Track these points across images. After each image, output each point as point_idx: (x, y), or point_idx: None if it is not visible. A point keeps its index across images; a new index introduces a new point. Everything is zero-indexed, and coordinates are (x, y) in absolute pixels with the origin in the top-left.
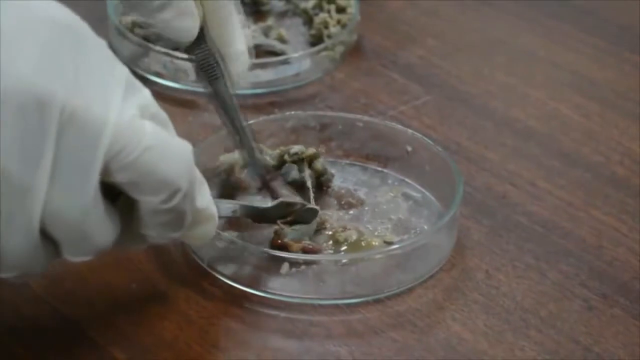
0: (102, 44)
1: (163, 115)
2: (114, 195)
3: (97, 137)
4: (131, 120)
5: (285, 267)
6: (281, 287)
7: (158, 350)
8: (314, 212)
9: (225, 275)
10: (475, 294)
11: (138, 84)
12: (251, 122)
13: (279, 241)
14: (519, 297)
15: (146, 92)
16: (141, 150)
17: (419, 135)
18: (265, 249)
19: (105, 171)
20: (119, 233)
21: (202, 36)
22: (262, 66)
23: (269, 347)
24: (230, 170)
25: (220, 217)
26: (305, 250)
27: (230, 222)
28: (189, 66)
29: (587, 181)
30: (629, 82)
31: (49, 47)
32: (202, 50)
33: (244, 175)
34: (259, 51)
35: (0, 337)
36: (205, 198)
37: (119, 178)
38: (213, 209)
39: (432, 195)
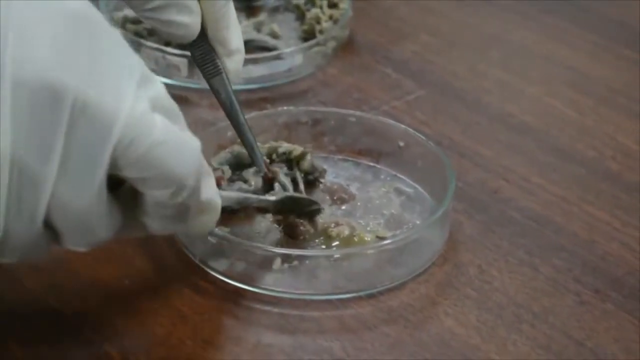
0: (117, 35)
1: (175, 108)
2: (118, 181)
3: (107, 131)
4: (142, 114)
5: (277, 262)
6: (273, 282)
7: (151, 346)
8: (316, 210)
9: (218, 271)
10: (468, 289)
11: (152, 76)
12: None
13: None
14: (512, 292)
15: (159, 85)
16: (150, 145)
17: (412, 130)
18: (258, 245)
19: (113, 165)
20: (120, 226)
21: (201, 33)
22: (254, 62)
23: (262, 343)
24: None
25: (224, 207)
26: None
27: (223, 218)
28: (181, 62)
29: (580, 176)
30: (624, 79)
31: (64, 39)
32: (201, 47)
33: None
34: (251, 47)
35: None
36: (210, 190)
37: (127, 172)
38: (217, 201)
39: (425, 190)
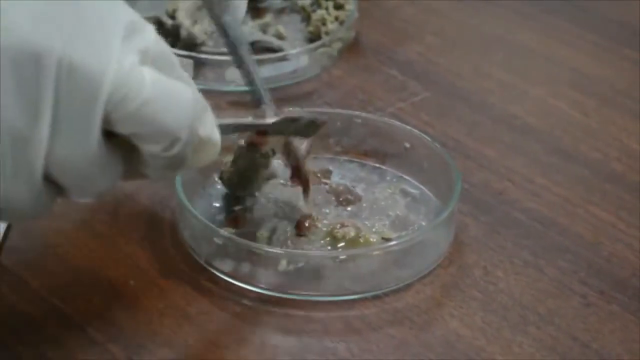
0: None
1: (167, 55)
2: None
3: (95, 90)
4: (130, 69)
5: (283, 263)
6: (279, 283)
7: (156, 347)
8: (317, 125)
9: (223, 271)
10: (473, 290)
11: (140, 24)
12: (248, 119)
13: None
14: (517, 294)
15: (149, 34)
16: (140, 101)
17: (417, 131)
18: (264, 246)
19: (106, 121)
20: (122, 174)
21: None
22: (260, 63)
23: (267, 344)
24: None
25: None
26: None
27: (229, 220)
28: (187, 63)
29: (585, 178)
30: (627, 79)
31: (44, 3)
32: None
33: None
34: (257, 48)
35: None
36: (208, 126)
37: (119, 128)
38: (216, 136)
39: (430, 191)
